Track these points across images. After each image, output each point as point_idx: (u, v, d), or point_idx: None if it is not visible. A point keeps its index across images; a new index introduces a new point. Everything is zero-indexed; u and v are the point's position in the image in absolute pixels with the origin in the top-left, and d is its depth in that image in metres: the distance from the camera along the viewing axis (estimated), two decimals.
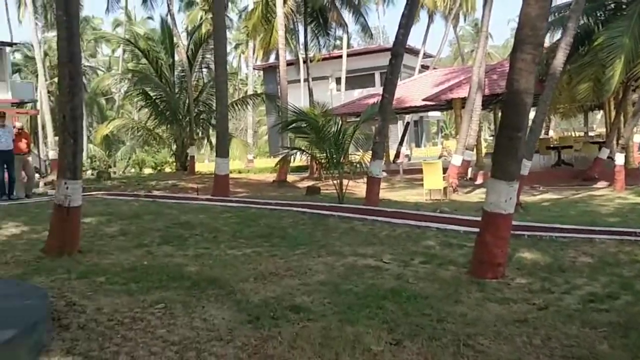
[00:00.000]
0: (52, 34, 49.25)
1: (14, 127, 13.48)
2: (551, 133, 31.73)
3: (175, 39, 24.60)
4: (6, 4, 47.46)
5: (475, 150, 20.60)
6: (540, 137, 19.11)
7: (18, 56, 52.18)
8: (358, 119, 14.65)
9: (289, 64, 24.49)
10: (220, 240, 7.41)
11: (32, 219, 9.08)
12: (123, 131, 33.91)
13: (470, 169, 19.63)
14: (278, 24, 21.06)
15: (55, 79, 44.64)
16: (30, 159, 13.82)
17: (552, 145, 23.60)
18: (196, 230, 8.09)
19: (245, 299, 4.62)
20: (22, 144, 13.10)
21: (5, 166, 12.56)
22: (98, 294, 4.82)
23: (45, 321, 3.81)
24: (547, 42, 17.57)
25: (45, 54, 43.39)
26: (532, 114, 10.22)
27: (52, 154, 26.48)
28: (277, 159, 25.26)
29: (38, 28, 36.19)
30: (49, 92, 31.93)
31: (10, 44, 30.62)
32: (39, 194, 13.61)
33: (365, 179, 11.93)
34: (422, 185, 15.76)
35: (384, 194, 13.55)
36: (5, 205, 11.24)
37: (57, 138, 28.55)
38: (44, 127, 32.30)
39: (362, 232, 7.89)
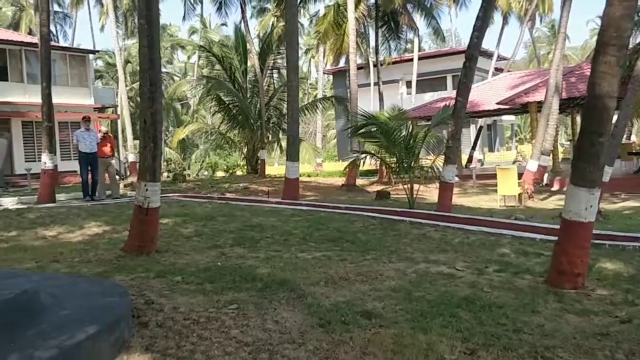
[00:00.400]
0: (132, 42, 51.55)
1: (99, 131, 14.16)
2: (633, 138, 30.13)
3: (248, 45, 25.13)
4: (89, 14, 50.12)
5: (551, 155, 19.86)
6: (622, 142, 18.19)
7: (100, 63, 54.90)
8: (429, 122, 14.45)
9: (358, 67, 24.48)
10: (291, 243, 7.49)
11: (113, 219, 9.50)
12: (197, 135, 35.03)
13: (546, 175, 18.95)
14: (349, 28, 21.09)
15: (135, 85, 46.71)
16: (113, 162, 14.46)
17: (634, 151, 22.41)
18: (267, 233, 8.21)
19: (317, 302, 4.63)
20: (107, 148, 13.73)
21: (89, 168, 13.19)
22: (175, 292, 4.96)
23: (126, 318, 3.96)
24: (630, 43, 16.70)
25: (126, 61, 45.36)
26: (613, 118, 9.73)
27: (132, 157, 27.64)
28: (345, 163, 25.34)
29: (119, 36, 37.87)
30: (128, 97, 33.32)
31: (93, 52, 32.17)
32: (119, 195, 14.17)
33: (436, 184, 11.73)
34: (495, 191, 15.34)
35: (456, 199, 13.28)
36: (89, 205, 11.81)
37: (136, 142, 29.86)
38: (123, 131, 33.80)
39: (434, 239, 7.76)
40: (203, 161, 35.58)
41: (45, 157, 13.31)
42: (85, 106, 27.43)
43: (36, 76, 25.12)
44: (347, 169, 18.12)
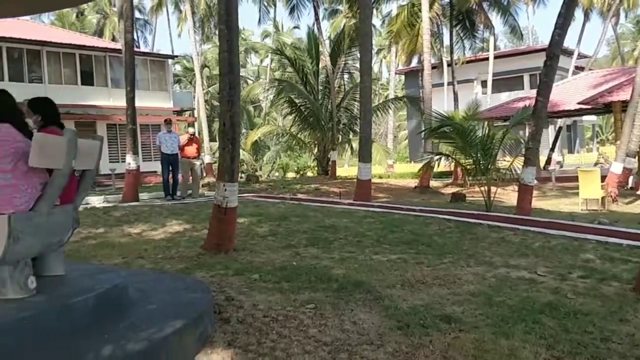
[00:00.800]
0: (208, 46, 53.15)
1: (187, 132, 14.61)
2: None
3: (320, 46, 25.34)
4: (168, 20, 52.08)
5: (637, 157, 18.83)
6: None
7: (178, 67, 56.89)
8: (505, 123, 14.05)
9: (432, 67, 24.16)
10: (365, 245, 7.47)
11: (192, 218, 9.82)
12: (269, 137, 35.64)
13: (631, 178, 17.98)
14: (423, 28, 20.85)
15: (210, 89, 48.12)
16: (198, 163, 14.90)
17: None
18: (340, 234, 8.23)
19: (394, 305, 4.60)
20: (193, 149, 14.06)
21: (170, 168, 13.69)
22: (253, 290, 5.07)
23: (209, 314, 4.09)
24: None
25: (203, 66, 46.81)
26: None
27: (207, 158, 28.46)
28: (417, 165, 25.05)
29: (196, 41, 39.12)
30: (205, 100, 34.37)
31: (172, 57, 33.40)
32: (198, 195, 14.58)
33: (513, 187, 11.39)
34: (576, 194, 14.72)
35: (535, 202, 12.83)
36: (170, 204, 12.27)
37: (211, 144, 30.75)
38: (199, 134, 34.90)
39: (514, 243, 7.53)
40: (274, 162, 36.15)
41: (129, 158, 13.93)
42: (164, 109, 28.53)
43: (119, 81, 26.43)
44: (422, 171, 17.89)
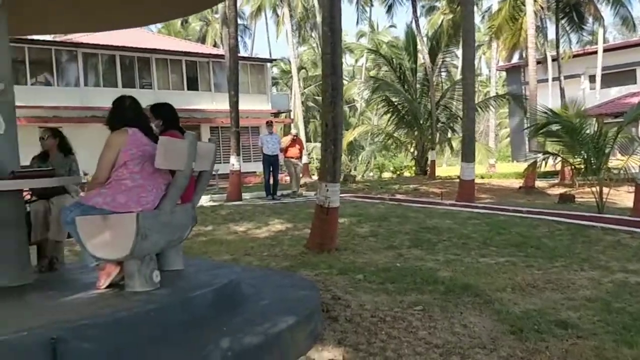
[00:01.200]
0: (304, 49, 54.09)
1: (290, 133, 14.96)
2: None
3: (418, 44, 25.01)
4: (266, 24, 53.49)
5: None
6: None
7: (275, 70, 58.30)
8: (617, 120, 13.21)
9: (536, 62, 23.16)
10: (470, 247, 7.31)
11: (293, 217, 10.05)
12: (363, 137, 35.68)
13: None
14: (527, 22, 20.04)
15: (306, 90, 48.90)
16: (301, 163, 15.25)
17: None
18: (444, 236, 8.09)
19: (505, 309, 4.47)
20: (296, 150, 14.43)
21: (270, 169, 14.07)
22: (358, 290, 5.11)
23: (318, 312, 4.17)
24: None
25: (299, 68, 47.66)
26: None
27: (304, 158, 28.91)
28: (520, 164, 24.08)
29: (293, 44, 39.94)
30: (300, 102, 35.00)
31: (271, 60, 34.26)
32: (296, 195, 14.86)
33: (627, 187, 10.69)
34: None
35: None
36: (271, 204, 12.62)
37: (307, 144, 31.23)
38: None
39: (632, 247, 7.07)
40: (369, 162, 36.08)
41: (233, 159, 14.47)
42: (263, 112, 29.33)
43: (221, 85, 27.50)
44: (527, 171, 17.18)
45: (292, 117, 35.25)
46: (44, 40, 23.59)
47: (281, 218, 9.97)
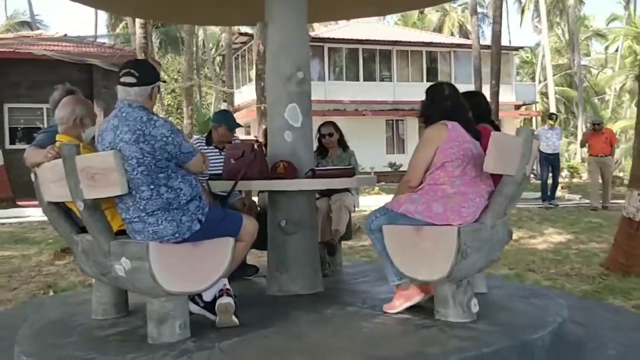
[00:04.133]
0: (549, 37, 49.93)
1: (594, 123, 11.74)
2: None
3: None
4: (507, 11, 50.50)
5: None
6: None
7: (515, 60, 54.82)
8: None
9: None
10: None
11: (570, 226, 8.70)
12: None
13: None
14: None
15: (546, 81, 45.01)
16: (612, 163, 11.86)
17: None
18: None
19: None
20: (605, 144, 11.23)
21: (549, 169, 11.87)
22: None
23: None
24: None
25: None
26: None
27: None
28: None
29: (547, 28, 36.90)
30: (541, 93, 32.11)
31: (517, 49, 31.99)
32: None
33: None
34: None
35: None
36: (536, 208, 11.05)
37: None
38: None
39: None
40: None
41: None
42: (507, 103, 27.42)
43: (461, 76, 26.39)
44: None
45: (535, 109, 32.55)
46: None
47: (555, 226, 8.67)
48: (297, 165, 3.63)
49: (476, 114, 3.64)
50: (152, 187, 2.68)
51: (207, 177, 3.78)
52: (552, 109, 27.93)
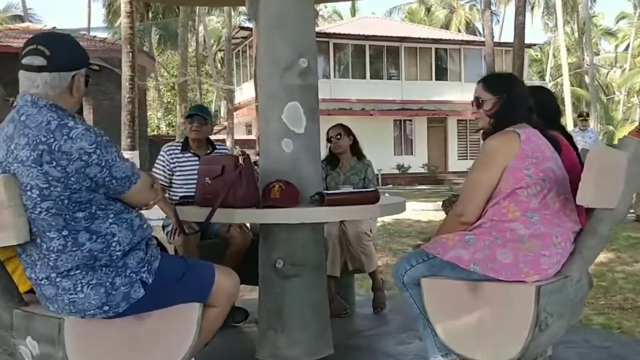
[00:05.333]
0: (551, 35, 48.92)
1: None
2: None
3: None
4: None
5: None
6: None
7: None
8: None
9: None
10: None
11: (610, 243, 7.67)
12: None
13: None
14: None
15: (559, 80, 43.96)
16: None
17: None
18: None
19: None
20: None
21: None
22: None
23: None
24: None
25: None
26: None
27: None
28: None
29: (548, 28, 36.02)
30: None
31: (529, 46, 30.94)
32: None
33: None
34: None
35: None
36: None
37: None
38: None
39: None
40: None
41: None
42: None
43: (472, 74, 25.33)
44: None
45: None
46: None
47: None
48: (298, 185, 2.58)
49: (543, 117, 2.62)
50: (65, 233, 1.71)
51: (177, 200, 2.80)
52: (568, 110, 26.87)
